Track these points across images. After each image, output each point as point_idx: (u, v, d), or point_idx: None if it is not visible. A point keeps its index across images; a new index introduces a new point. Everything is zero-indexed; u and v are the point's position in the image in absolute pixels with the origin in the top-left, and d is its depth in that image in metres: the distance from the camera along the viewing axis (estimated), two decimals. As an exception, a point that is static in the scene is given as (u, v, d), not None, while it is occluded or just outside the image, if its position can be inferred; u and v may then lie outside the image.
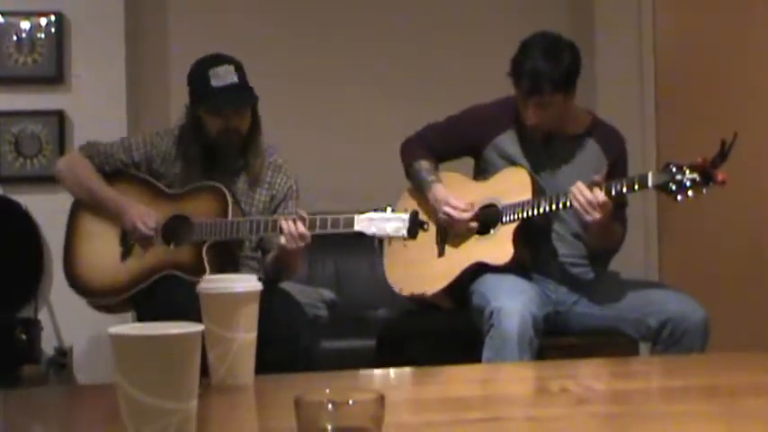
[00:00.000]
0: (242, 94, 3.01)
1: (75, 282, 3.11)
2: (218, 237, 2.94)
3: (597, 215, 2.78)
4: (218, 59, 3.03)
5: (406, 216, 2.71)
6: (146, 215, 3.00)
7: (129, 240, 3.06)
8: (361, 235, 2.77)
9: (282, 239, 2.83)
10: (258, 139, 3.09)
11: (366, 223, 2.74)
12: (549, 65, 2.92)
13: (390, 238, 2.79)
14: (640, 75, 4.48)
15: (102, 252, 3.09)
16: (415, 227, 2.72)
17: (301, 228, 2.81)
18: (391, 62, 4.58)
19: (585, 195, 2.78)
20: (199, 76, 3.02)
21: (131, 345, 1.31)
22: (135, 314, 3.19)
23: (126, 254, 3.06)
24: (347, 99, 4.54)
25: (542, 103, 2.95)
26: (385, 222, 2.72)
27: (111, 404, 1.34)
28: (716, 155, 2.62)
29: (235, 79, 2.98)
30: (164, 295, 2.88)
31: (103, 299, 3.09)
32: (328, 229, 2.81)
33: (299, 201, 3.15)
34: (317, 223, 2.82)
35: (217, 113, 3.00)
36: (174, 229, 3.03)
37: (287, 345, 2.73)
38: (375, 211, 2.75)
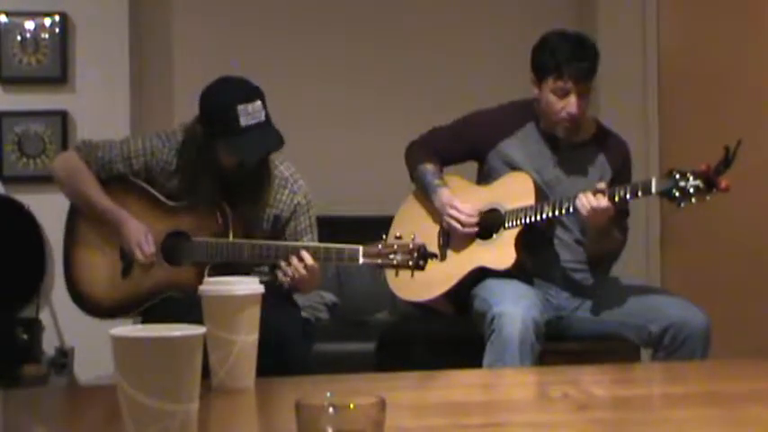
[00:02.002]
0: (271, 138, 2.81)
1: (76, 296, 3.03)
2: (219, 258, 2.82)
3: (599, 219, 2.79)
4: (246, 93, 2.79)
5: (414, 247, 2.60)
6: (144, 242, 2.87)
7: (129, 256, 2.94)
8: (366, 266, 2.68)
9: (280, 275, 2.75)
10: (268, 163, 2.95)
11: (371, 256, 2.63)
12: (584, 50, 2.97)
13: (397, 270, 2.65)
14: (644, 80, 4.49)
15: (103, 267, 2.99)
16: (422, 258, 2.61)
17: (308, 259, 2.71)
18: (394, 63, 4.58)
19: (590, 202, 2.78)
20: (225, 110, 2.76)
21: (133, 346, 1.31)
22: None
23: (126, 270, 2.95)
24: (350, 100, 4.55)
25: (585, 89, 2.96)
26: (392, 255, 2.61)
27: (112, 405, 1.34)
28: (719, 162, 2.61)
29: (263, 117, 2.77)
30: (166, 319, 2.79)
31: (104, 318, 3.02)
32: (333, 260, 2.74)
33: (312, 212, 3.02)
34: (321, 255, 2.73)
35: (244, 156, 2.83)
36: (173, 247, 2.91)
37: (275, 352, 2.65)
38: (381, 239, 2.67)
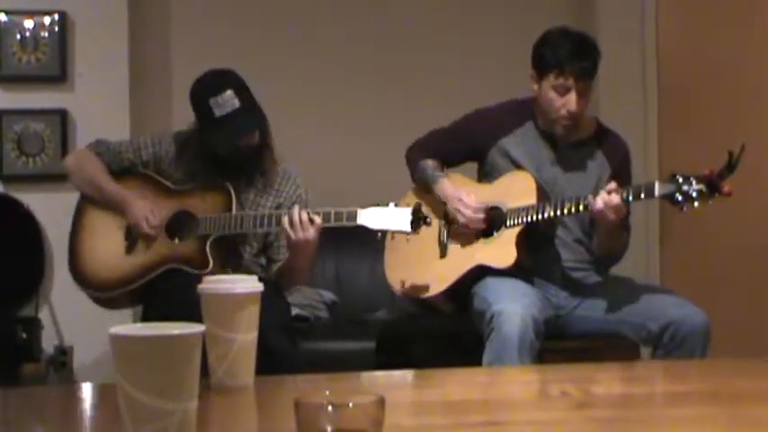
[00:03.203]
0: (247, 120, 2.99)
1: (80, 275, 3.13)
2: (223, 231, 2.95)
3: (613, 216, 2.78)
4: (216, 85, 2.97)
5: (409, 210, 2.73)
6: (149, 213, 3.02)
7: (134, 234, 3.07)
8: (364, 229, 2.78)
9: (285, 220, 2.83)
10: (269, 150, 3.09)
11: (369, 217, 2.76)
12: (587, 49, 2.98)
13: (393, 233, 2.78)
14: (643, 81, 4.48)
15: (107, 246, 3.10)
16: (417, 221, 2.74)
17: (317, 218, 2.82)
18: (393, 62, 4.58)
19: (612, 200, 2.77)
20: (201, 105, 2.99)
21: (131, 345, 1.30)
22: (140, 309, 3.19)
23: (130, 247, 3.07)
24: (349, 99, 4.54)
25: (586, 88, 2.96)
26: (388, 216, 2.74)
27: (112, 403, 1.34)
28: (723, 166, 2.62)
29: (236, 104, 2.94)
30: (167, 289, 2.89)
31: (107, 292, 3.10)
32: (332, 222, 2.84)
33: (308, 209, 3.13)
34: (321, 216, 2.83)
35: (226, 142, 2.99)
36: (178, 225, 3.04)
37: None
38: (378, 205, 2.76)
